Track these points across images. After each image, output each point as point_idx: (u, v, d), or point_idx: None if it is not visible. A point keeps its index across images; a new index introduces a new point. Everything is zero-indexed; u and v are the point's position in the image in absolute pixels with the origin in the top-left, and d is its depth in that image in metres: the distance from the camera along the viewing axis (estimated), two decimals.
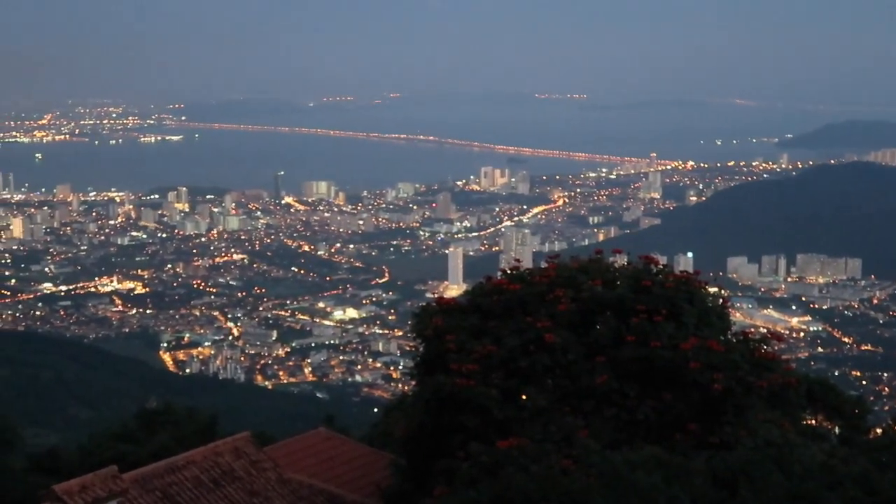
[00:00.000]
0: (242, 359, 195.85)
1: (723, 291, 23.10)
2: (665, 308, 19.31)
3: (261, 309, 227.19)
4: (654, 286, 19.85)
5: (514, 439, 17.18)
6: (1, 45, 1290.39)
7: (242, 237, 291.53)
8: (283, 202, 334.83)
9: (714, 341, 19.12)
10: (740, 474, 15.60)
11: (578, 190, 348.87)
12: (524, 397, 18.69)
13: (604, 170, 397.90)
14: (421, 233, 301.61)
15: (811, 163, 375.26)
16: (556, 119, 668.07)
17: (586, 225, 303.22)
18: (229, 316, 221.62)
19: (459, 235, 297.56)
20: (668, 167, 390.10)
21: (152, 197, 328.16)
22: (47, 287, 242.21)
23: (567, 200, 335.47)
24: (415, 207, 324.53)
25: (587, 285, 20.12)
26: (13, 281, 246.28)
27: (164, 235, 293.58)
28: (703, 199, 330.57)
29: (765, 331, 21.77)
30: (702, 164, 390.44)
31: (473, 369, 18.81)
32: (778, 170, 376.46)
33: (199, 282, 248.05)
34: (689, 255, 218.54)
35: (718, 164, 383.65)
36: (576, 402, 18.64)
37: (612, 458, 15.67)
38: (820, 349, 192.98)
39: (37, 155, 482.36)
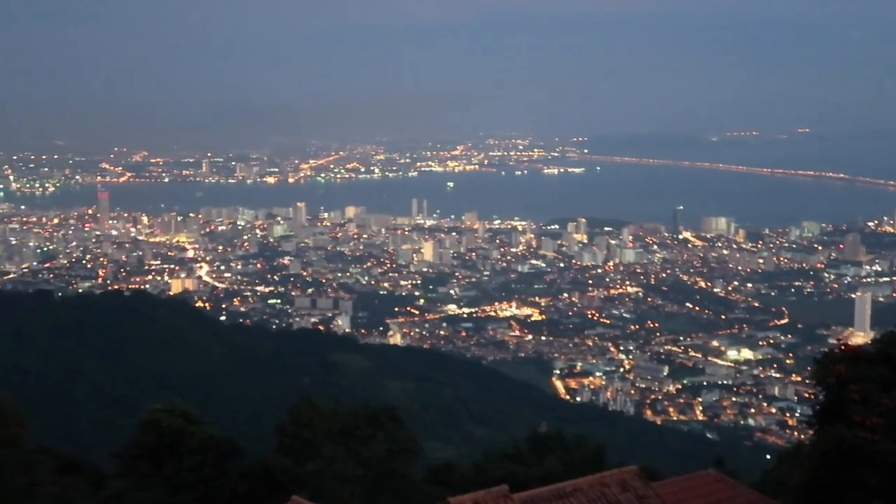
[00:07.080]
0: (632, 392, 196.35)
1: None
2: None
3: (653, 343, 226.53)
4: None
5: None
6: (424, 85, 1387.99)
7: (637, 270, 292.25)
8: (680, 237, 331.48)
9: None
10: None
11: None
12: None
13: None
14: (826, 274, 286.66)
15: None
16: None
17: None
18: (621, 348, 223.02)
19: (868, 279, 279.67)
20: None
21: (552, 227, 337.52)
22: (451, 308, 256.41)
23: None
24: (820, 248, 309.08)
25: None
26: (422, 301, 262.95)
27: (562, 265, 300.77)
28: None
29: None
30: None
31: (878, 423, 17.66)
32: None
33: (593, 312, 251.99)
34: None
35: None
36: None
37: None
38: None
39: (448, 183, 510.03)
